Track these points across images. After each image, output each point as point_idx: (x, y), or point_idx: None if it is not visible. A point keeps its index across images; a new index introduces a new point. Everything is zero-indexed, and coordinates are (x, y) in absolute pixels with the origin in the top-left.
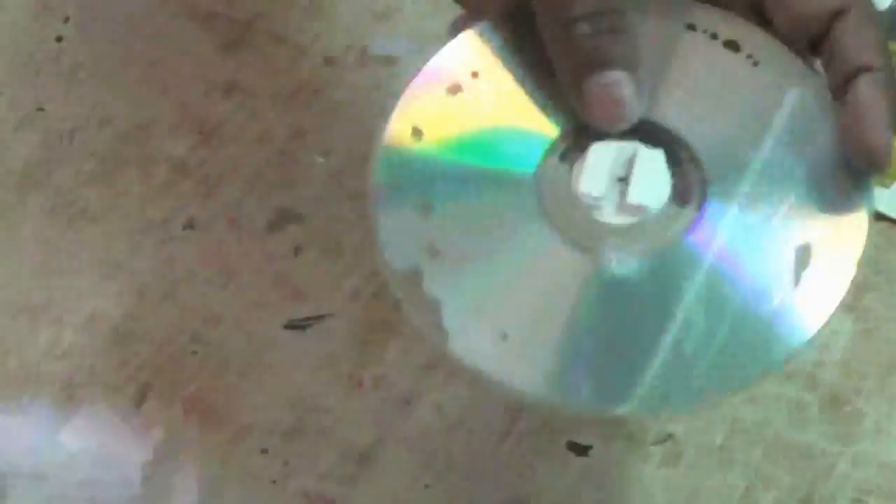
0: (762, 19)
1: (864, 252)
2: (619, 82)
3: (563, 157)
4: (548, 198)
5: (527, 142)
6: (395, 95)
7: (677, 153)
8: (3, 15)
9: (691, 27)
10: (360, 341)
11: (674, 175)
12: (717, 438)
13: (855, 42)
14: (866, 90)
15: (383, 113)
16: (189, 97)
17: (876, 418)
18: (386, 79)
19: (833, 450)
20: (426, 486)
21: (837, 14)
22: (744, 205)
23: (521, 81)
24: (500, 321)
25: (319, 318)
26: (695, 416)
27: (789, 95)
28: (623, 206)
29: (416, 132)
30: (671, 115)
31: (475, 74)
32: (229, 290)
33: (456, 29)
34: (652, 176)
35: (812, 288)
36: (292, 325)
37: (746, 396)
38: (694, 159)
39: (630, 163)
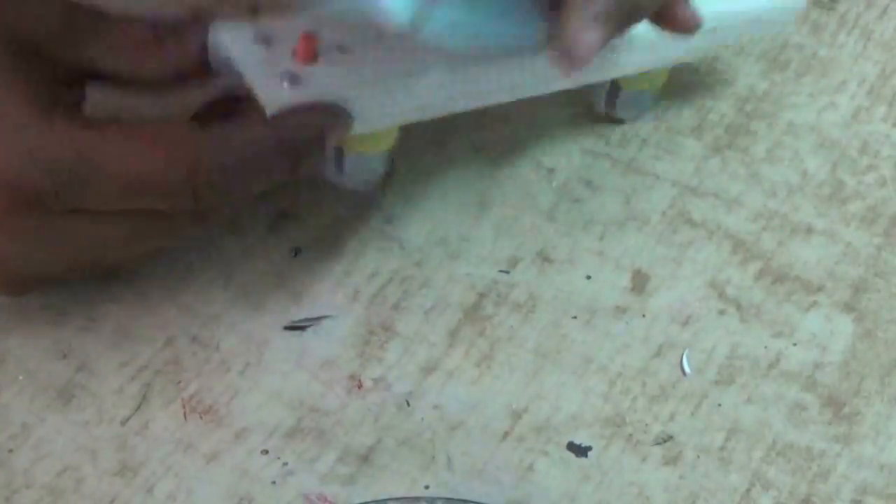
0: None
1: None
2: None
3: None
4: None
5: None
6: None
7: None
8: None
9: None
10: (360, 341)
11: None
12: (717, 439)
13: None
14: None
15: None
16: None
17: (875, 419)
18: None
19: (833, 450)
20: (426, 487)
21: None
22: None
23: None
24: None
25: (319, 318)
26: (693, 416)
27: None
28: None
29: None
30: None
31: None
32: (229, 290)
33: None
34: None
35: None
36: (292, 326)
37: (746, 397)
38: None
39: None
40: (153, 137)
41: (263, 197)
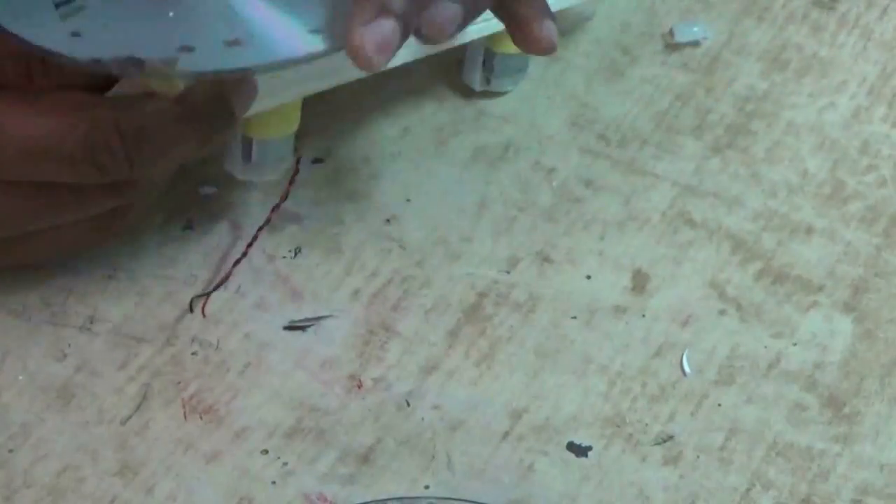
0: None
1: None
2: None
3: None
4: None
5: None
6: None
7: None
8: None
9: None
10: (360, 341)
11: None
12: (717, 439)
13: None
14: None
15: (382, 114)
16: None
17: (876, 419)
18: (385, 80)
19: (832, 450)
20: (426, 487)
21: None
22: None
23: None
24: None
25: (319, 318)
26: (693, 418)
27: None
28: None
29: None
30: None
31: None
32: (229, 290)
33: None
34: None
35: None
36: (292, 326)
37: (746, 397)
38: None
39: None
40: (52, 102)
41: (263, 197)
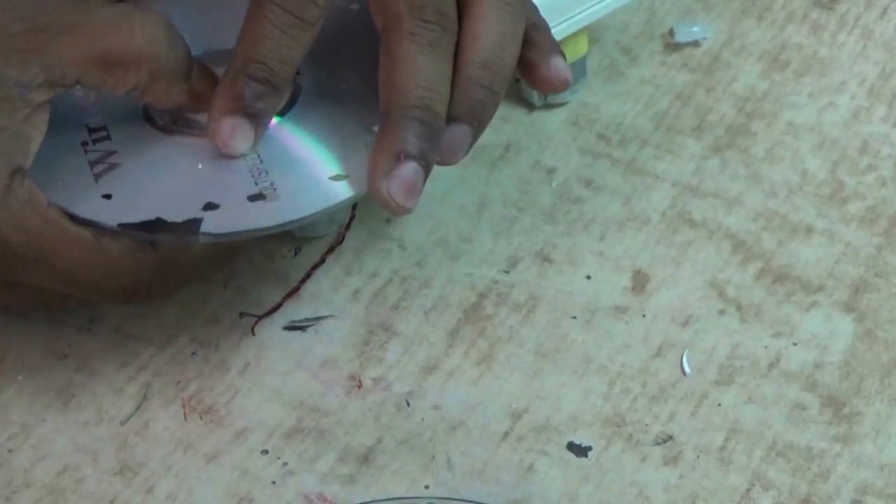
0: None
1: None
2: None
3: None
4: None
5: None
6: None
7: None
8: None
9: None
10: (360, 341)
11: None
12: (717, 439)
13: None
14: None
15: None
16: None
17: (876, 419)
18: None
19: (833, 450)
20: (426, 487)
21: None
22: None
23: None
24: None
25: (319, 318)
26: (694, 418)
27: None
28: None
29: None
30: None
31: None
32: (229, 290)
33: None
34: None
35: None
36: (292, 326)
37: (746, 397)
38: None
39: None
40: (98, 248)
41: None
